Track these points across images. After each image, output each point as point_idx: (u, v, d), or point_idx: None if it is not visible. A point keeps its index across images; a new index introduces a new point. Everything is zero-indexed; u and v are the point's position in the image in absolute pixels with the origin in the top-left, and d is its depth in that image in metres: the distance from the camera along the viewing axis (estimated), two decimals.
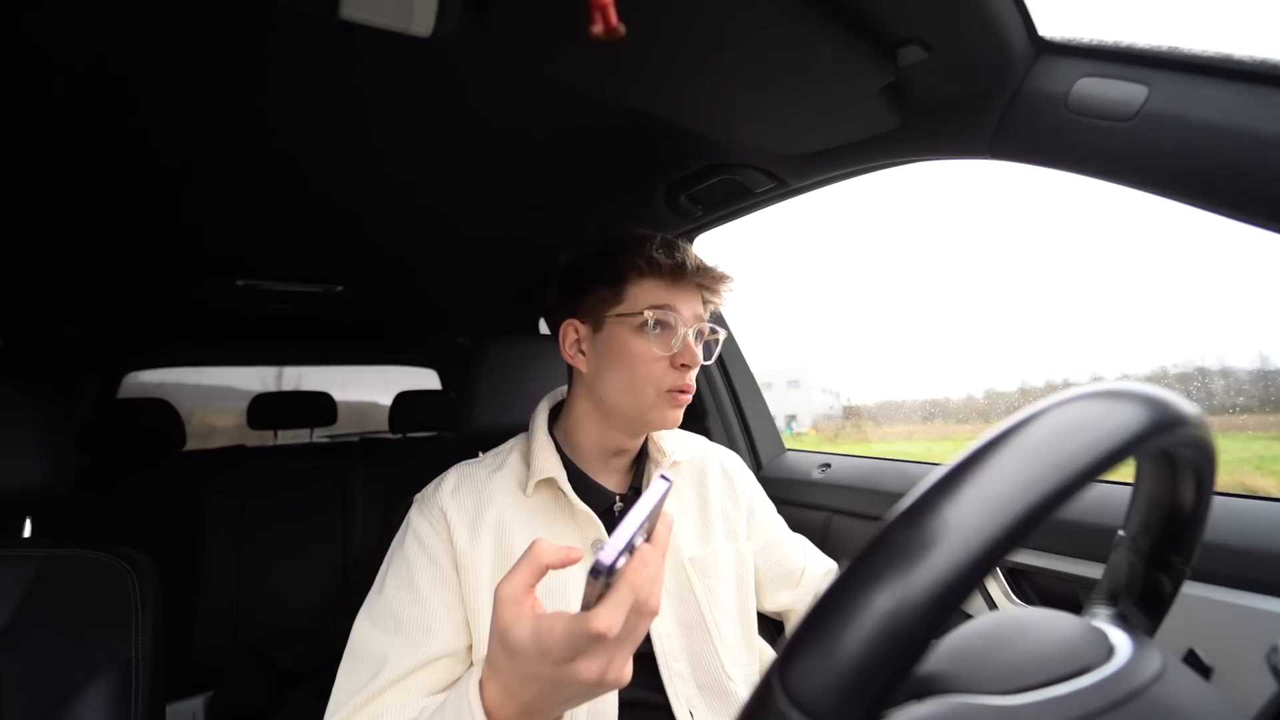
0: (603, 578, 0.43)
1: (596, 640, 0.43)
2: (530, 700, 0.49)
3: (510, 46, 0.64)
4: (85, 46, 0.68)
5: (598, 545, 0.76)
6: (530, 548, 0.50)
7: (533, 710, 0.49)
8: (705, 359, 0.80)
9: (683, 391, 0.76)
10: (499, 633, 0.48)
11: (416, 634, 0.68)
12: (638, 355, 0.75)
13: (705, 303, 0.80)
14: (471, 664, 0.71)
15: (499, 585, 0.49)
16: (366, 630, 0.69)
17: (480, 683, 0.51)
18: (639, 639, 0.49)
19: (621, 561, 0.44)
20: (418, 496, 0.81)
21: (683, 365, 0.75)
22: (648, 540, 0.49)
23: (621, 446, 0.81)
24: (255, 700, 1.74)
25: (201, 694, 1.83)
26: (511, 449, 0.85)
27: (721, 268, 0.79)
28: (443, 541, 0.74)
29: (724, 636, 0.79)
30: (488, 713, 0.50)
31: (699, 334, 0.79)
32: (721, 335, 0.82)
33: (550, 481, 0.78)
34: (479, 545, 0.74)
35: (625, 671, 0.48)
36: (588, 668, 0.45)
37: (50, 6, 0.61)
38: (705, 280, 0.78)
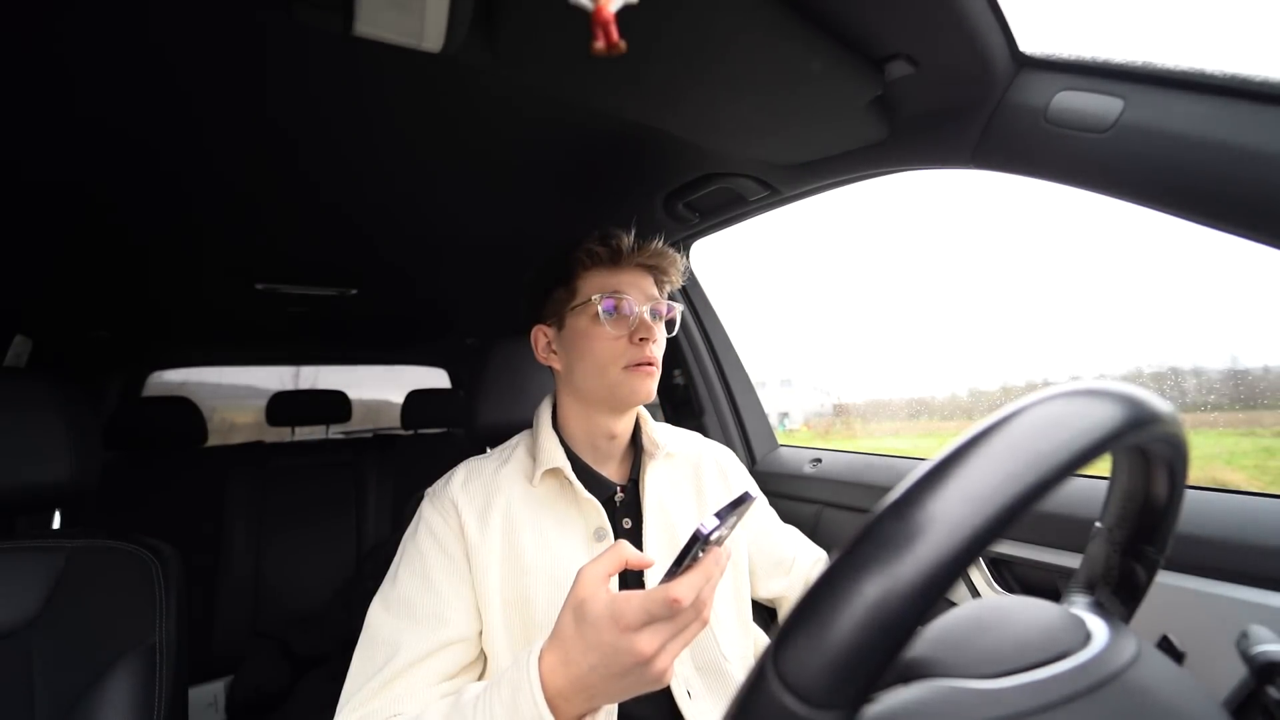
0: (693, 550, 0.47)
1: (669, 609, 0.47)
2: (585, 672, 0.51)
3: (517, 62, 0.64)
4: (112, 59, 0.68)
5: (600, 533, 0.76)
6: (616, 544, 0.56)
7: (582, 685, 0.51)
8: (669, 333, 0.83)
9: (646, 364, 0.77)
10: (575, 605, 0.52)
11: (429, 620, 0.68)
12: (597, 339, 0.78)
13: (660, 283, 0.83)
14: (482, 650, 0.71)
15: (584, 566, 0.54)
16: (381, 617, 0.69)
17: (541, 652, 0.54)
18: (689, 639, 0.52)
19: (714, 536, 0.48)
20: (429, 490, 0.82)
21: (641, 339, 0.77)
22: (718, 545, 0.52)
23: (610, 431, 0.82)
24: (273, 683, 1.74)
25: (222, 678, 1.84)
26: (517, 444, 0.86)
27: (661, 244, 0.82)
28: (454, 532, 0.75)
29: (720, 620, 0.80)
30: (543, 678, 0.52)
31: (655, 312, 0.81)
32: (678, 310, 0.84)
33: (555, 472, 0.78)
34: (488, 535, 0.74)
35: (671, 668, 0.51)
36: (648, 641, 0.48)
37: (78, 17, 0.61)
38: (647, 259, 0.81)
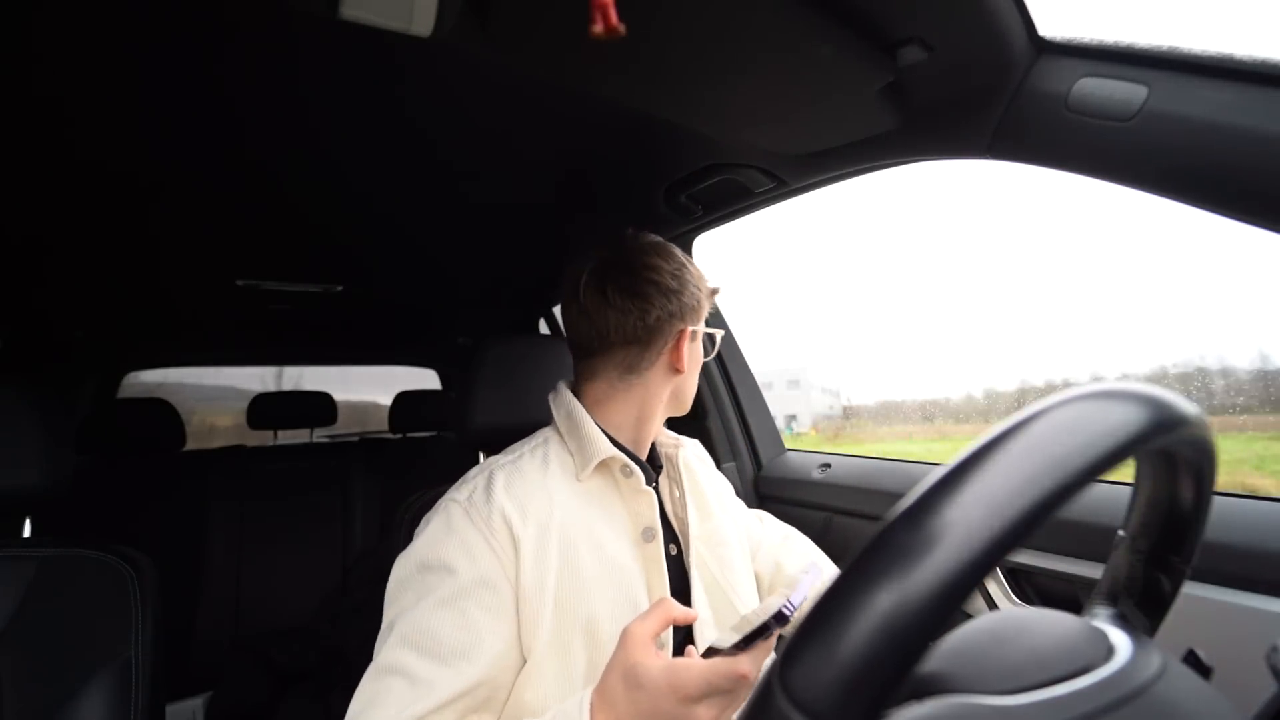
0: (769, 630, 0.50)
1: (737, 681, 0.49)
2: None
3: (510, 46, 0.64)
4: (83, 46, 0.68)
5: (649, 533, 0.76)
6: (661, 603, 0.56)
7: None
8: None
9: None
10: (625, 668, 0.52)
11: (456, 663, 0.62)
12: (699, 359, 0.86)
13: None
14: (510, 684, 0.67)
15: (631, 625, 0.55)
16: (398, 649, 0.63)
17: (590, 708, 0.54)
18: (742, 700, 0.51)
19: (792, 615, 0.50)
20: (457, 497, 0.73)
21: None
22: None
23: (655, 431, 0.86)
24: (255, 700, 1.74)
25: (201, 694, 1.83)
26: (544, 442, 0.81)
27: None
28: (498, 556, 0.67)
29: (742, 600, 0.82)
30: None
31: None
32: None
33: (603, 466, 0.76)
34: (547, 553, 0.69)
35: None
36: (707, 712, 0.50)
37: (50, 9, 0.61)
38: None
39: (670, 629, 0.70)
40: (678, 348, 0.81)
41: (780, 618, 0.49)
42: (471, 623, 0.64)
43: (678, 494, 0.83)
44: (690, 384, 0.86)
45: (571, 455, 0.79)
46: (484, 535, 0.68)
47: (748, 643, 0.50)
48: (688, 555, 0.80)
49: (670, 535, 0.81)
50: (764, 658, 0.51)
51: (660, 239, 0.84)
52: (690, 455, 0.93)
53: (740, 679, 0.49)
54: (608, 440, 0.77)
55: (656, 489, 0.81)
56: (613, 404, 0.81)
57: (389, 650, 0.63)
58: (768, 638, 0.51)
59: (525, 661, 0.66)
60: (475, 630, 0.64)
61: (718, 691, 0.50)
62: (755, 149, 0.97)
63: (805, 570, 0.55)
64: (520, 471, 0.75)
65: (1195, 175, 0.60)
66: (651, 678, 0.51)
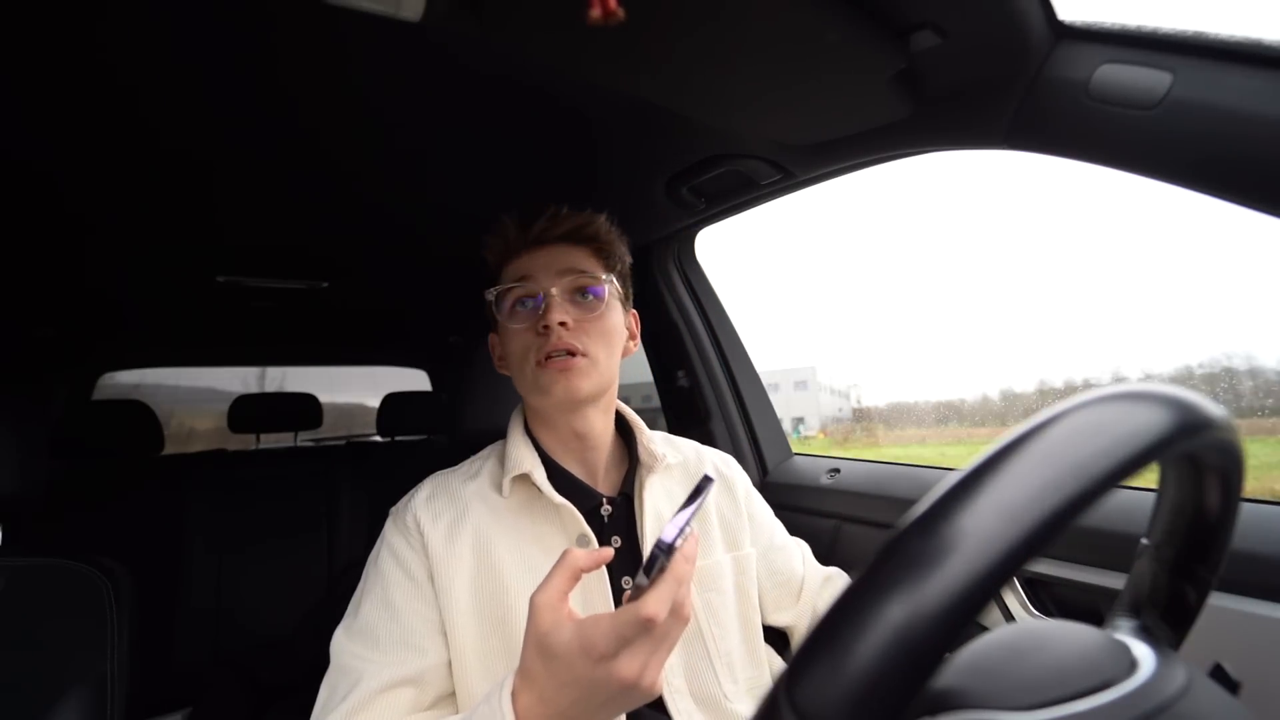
0: (657, 563, 0.47)
1: (644, 628, 0.47)
2: (566, 707, 0.50)
3: (504, 31, 0.64)
4: (59, 30, 0.68)
5: (583, 540, 0.76)
6: (563, 556, 0.54)
7: (570, 717, 0.51)
8: (587, 312, 0.78)
9: (556, 355, 0.75)
10: (536, 640, 0.51)
11: (393, 649, 0.68)
12: (508, 338, 0.79)
13: (601, 255, 0.83)
14: (450, 678, 0.71)
15: (535, 594, 0.52)
16: (343, 644, 0.70)
17: (513, 693, 0.53)
18: (673, 643, 0.51)
19: (678, 543, 0.48)
20: (392, 509, 0.82)
21: (543, 328, 0.75)
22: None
23: (573, 429, 0.80)
24: (236, 716, 1.74)
25: (180, 710, 1.83)
26: (488, 455, 0.86)
27: (588, 213, 0.82)
28: (417, 555, 0.75)
29: (722, 653, 0.79)
30: (524, 717, 0.51)
31: (582, 290, 0.79)
32: (602, 279, 0.80)
33: (526, 479, 0.78)
34: (457, 553, 0.74)
35: (659, 679, 0.50)
36: (629, 665, 0.48)
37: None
38: (562, 231, 0.80)
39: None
40: (498, 356, 0.84)
41: (661, 547, 0.47)
42: (399, 614, 0.70)
43: (644, 520, 0.80)
44: (513, 374, 0.81)
45: (503, 467, 0.81)
46: (403, 536, 0.76)
47: (645, 580, 0.49)
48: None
49: (635, 566, 0.78)
50: (674, 591, 0.48)
51: None
52: (696, 471, 0.89)
53: (647, 621, 0.47)
54: (535, 456, 0.79)
55: (631, 511, 0.81)
56: (530, 418, 0.84)
57: (336, 647, 0.70)
58: (664, 569, 0.49)
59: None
60: (404, 621, 0.70)
61: (630, 642, 0.48)
62: (761, 139, 0.97)
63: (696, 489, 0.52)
64: (446, 482, 0.82)
65: (1221, 166, 0.60)
66: (563, 642, 0.49)
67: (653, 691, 0.50)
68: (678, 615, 0.49)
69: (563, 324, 0.75)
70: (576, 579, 0.53)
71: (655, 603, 0.47)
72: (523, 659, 0.53)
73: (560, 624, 0.50)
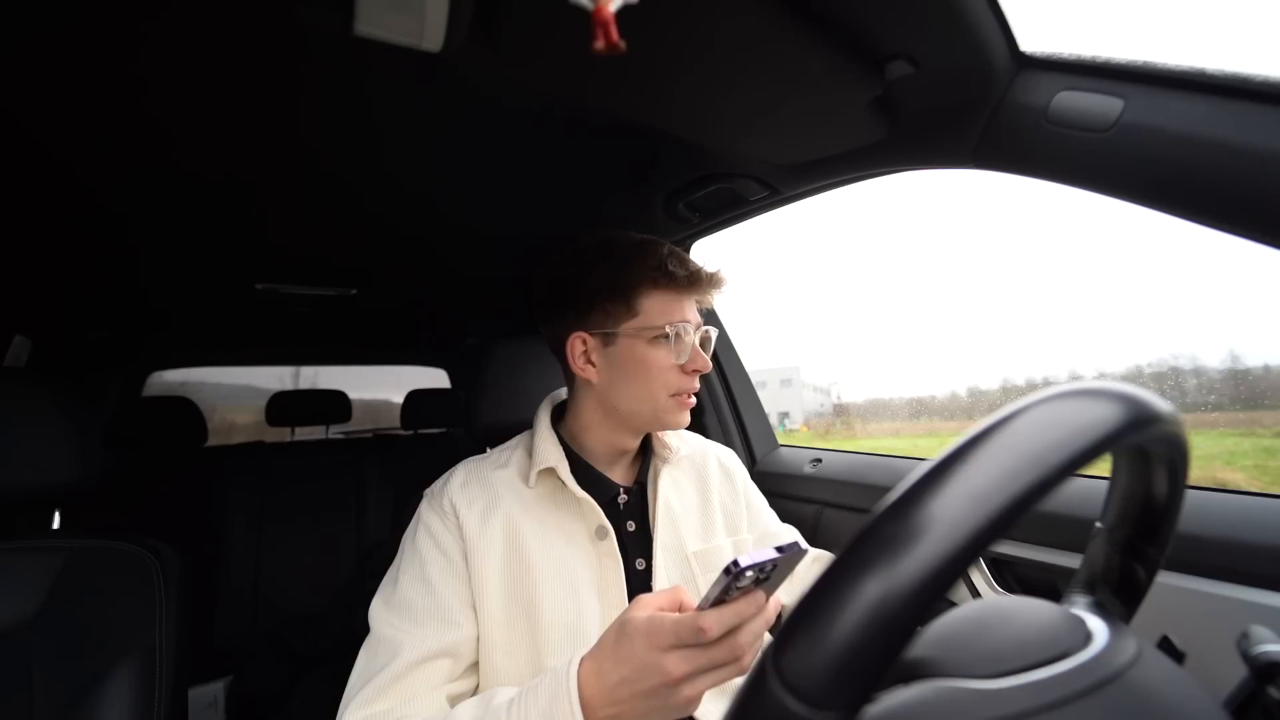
0: (729, 580, 0.47)
1: (697, 634, 0.48)
2: (615, 684, 0.51)
3: (517, 61, 0.64)
4: (113, 57, 0.68)
5: (601, 531, 0.76)
6: (676, 587, 0.56)
7: (611, 698, 0.52)
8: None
9: (691, 394, 0.78)
10: (621, 621, 0.53)
11: (430, 622, 0.68)
12: (654, 365, 0.75)
13: (699, 303, 0.81)
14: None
15: (641, 595, 0.55)
16: (383, 617, 0.70)
17: (581, 660, 0.55)
18: (722, 677, 0.51)
19: (749, 574, 0.47)
20: (427, 491, 0.81)
21: (694, 370, 0.76)
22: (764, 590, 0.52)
23: (627, 446, 0.82)
24: (273, 684, 1.74)
25: (221, 678, 1.83)
26: (516, 445, 0.85)
27: (723, 272, 0.80)
28: (452, 534, 0.74)
29: None
30: (581, 685, 0.53)
31: (705, 340, 0.80)
32: (714, 334, 0.82)
33: (550, 472, 0.78)
34: (489, 536, 0.74)
35: (698, 698, 0.51)
36: (677, 664, 0.49)
37: (75, 13, 0.61)
38: (713, 287, 0.79)
39: None
40: (582, 355, 0.78)
41: (730, 573, 0.46)
42: (436, 590, 0.70)
43: (656, 508, 0.80)
44: (618, 393, 0.76)
45: (530, 460, 0.80)
46: (439, 517, 0.76)
47: (718, 602, 0.49)
48: (656, 571, 0.77)
49: (647, 549, 0.79)
50: (731, 620, 0.49)
51: (599, 238, 0.79)
52: (706, 467, 0.90)
53: (698, 632, 0.48)
54: (559, 451, 0.79)
55: (645, 498, 0.81)
56: (584, 422, 0.82)
57: (375, 618, 0.70)
58: (730, 596, 0.49)
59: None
60: (440, 596, 0.70)
61: (684, 644, 0.49)
62: (750, 159, 0.97)
63: (776, 538, 0.53)
64: (478, 469, 0.81)
65: (1169, 184, 0.60)
66: (636, 626, 0.51)
67: (690, 704, 0.51)
68: (732, 647, 0.50)
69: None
70: (676, 605, 0.54)
71: (711, 618, 0.48)
72: (601, 639, 0.55)
73: (643, 610, 0.52)
